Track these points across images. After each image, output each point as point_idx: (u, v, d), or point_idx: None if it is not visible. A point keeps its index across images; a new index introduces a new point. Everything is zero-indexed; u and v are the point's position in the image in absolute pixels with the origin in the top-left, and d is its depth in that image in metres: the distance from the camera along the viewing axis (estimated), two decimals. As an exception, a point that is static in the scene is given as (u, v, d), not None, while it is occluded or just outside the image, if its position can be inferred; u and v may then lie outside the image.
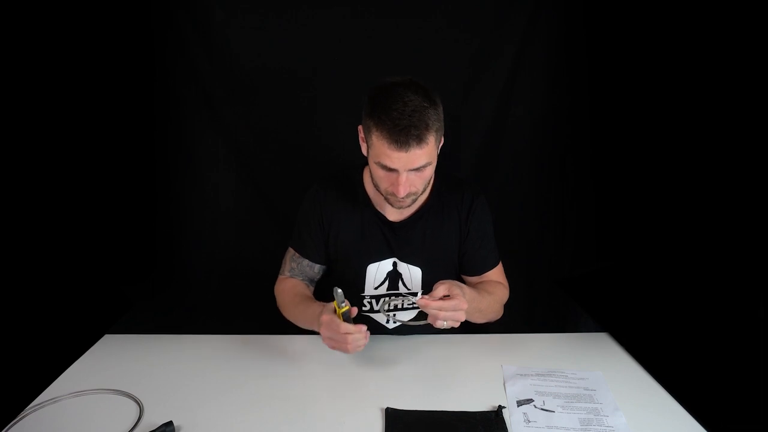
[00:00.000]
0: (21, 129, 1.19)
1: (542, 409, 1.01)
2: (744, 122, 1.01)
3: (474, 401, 1.03)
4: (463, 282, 1.37)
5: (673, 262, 1.21)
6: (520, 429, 0.96)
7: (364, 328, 1.05)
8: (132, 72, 1.57)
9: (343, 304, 1.06)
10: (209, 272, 1.84)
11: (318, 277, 1.35)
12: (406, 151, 1.06)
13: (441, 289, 1.07)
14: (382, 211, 1.28)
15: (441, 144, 1.18)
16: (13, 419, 0.97)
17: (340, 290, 1.06)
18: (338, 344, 1.06)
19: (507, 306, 1.36)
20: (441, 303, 1.05)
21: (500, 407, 0.99)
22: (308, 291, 1.32)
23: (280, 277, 1.35)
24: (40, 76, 1.25)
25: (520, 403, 1.02)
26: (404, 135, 1.04)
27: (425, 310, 1.06)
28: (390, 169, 1.10)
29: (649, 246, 1.32)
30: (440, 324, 1.06)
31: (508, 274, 1.39)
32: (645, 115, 1.34)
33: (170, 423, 0.93)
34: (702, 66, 1.12)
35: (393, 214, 1.28)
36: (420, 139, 1.06)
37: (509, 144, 1.76)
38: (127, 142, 1.58)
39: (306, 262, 1.33)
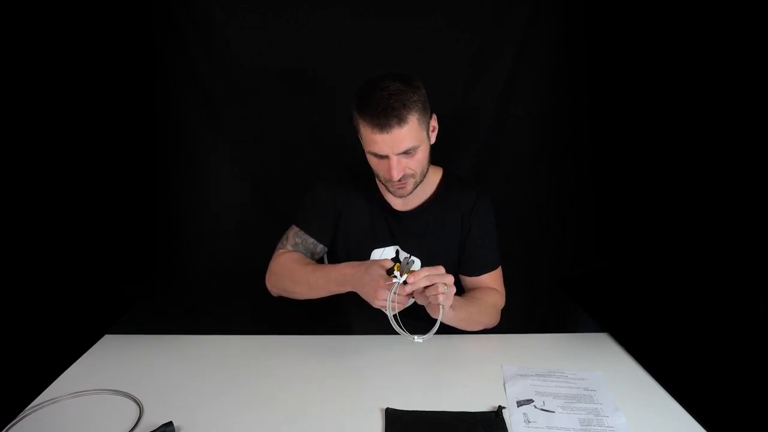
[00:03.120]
0: (21, 129, 1.19)
1: (542, 410, 1.01)
2: (744, 122, 1.01)
3: (474, 401, 1.02)
4: (460, 284, 1.37)
5: (673, 262, 1.21)
6: (520, 429, 0.95)
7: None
8: (132, 72, 1.57)
9: (404, 276, 1.06)
10: (209, 272, 1.84)
11: (318, 257, 1.37)
12: (389, 132, 1.11)
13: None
14: (389, 201, 1.32)
15: (434, 131, 1.23)
16: (13, 420, 0.97)
17: (416, 260, 1.07)
18: (395, 303, 1.08)
19: (507, 306, 1.36)
20: (425, 269, 1.06)
21: (500, 407, 0.99)
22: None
23: (281, 251, 1.35)
24: (40, 77, 1.25)
25: (520, 404, 1.02)
26: (384, 116, 1.10)
27: (419, 285, 1.05)
28: (381, 156, 1.16)
29: (649, 246, 1.32)
30: (441, 291, 1.05)
31: (508, 274, 1.39)
32: (645, 115, 1.34)
33: (170, 423, 0.93)
34: (702, 66, 1.12)
35: (399, 204, 1.32)
36: (400, 119, 1.11)
37: (509, 144, 1.76)
38: (127, 142, 1.59)
39: (311, 240, 1.34)
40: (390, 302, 1.06)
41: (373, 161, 1.20)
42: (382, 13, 1.62)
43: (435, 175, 1.35)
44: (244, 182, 1.80)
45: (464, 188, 1.35)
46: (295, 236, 1.35)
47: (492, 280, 1.35)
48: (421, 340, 1.06)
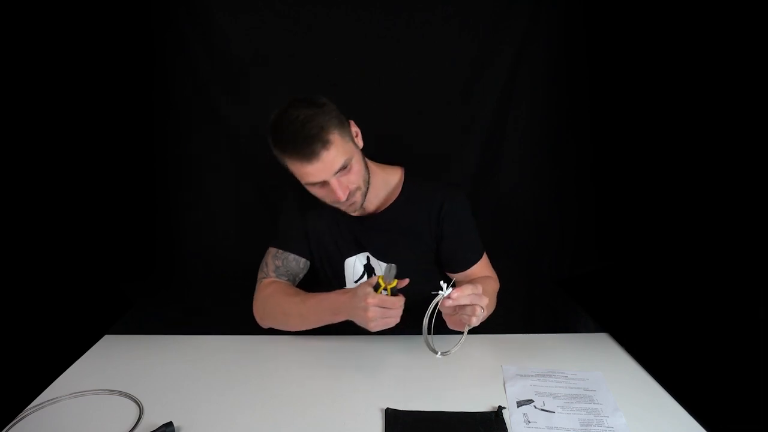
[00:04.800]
0: (20, 128, 1.20)
1: (542, 410, 1.01)
2: (744, 122, 1.01)
3: (474, 402, 1.03)
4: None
5: (674, 262, 1.21)
6: (520, 429, 0.95)
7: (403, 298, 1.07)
8: (131, 72, 1.57)
9: (394, 279, 1.06)
10: (209, 272, 1.84)
11: (302, 274, 1.35)
12: (319, 160, 1.08)
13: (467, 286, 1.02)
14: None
15: (358, 135, 1.20)
16: (13, 419, 0.97)
17: (394, 265, 1.05)
18: (390, 319, 1.05)
19: (507, 306, 1.36)
20: (470, 286, 1.01)
21: (500, 408, 0.99)
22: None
23: (264, 281, 1.31)
24: (39, 77, 1.25)
25: (520, 404, 1.02)
26: (308, 146, 1.07)
27: (460, 302, 1.00)
28: (319, 184, 1.13)
29: (649, 246, 1.33)
30: (478, 314, 1.02)
31: (509, 274, 1.40)
32: (645, 114, 1.34)
33: (170, 423, 0.93)
34: (702, 65, 1.12)
35: (359, 210, 1.29)
36: (324, 142, 1.08)
37: (509, 144, 1.76)
38: (127, 141, 1.59)
39: (292, 256, 1.32)
40: (428, 315, 1.00)
41: (314, 190, 1.17)
42: (383, 14, 1.62)
43: (393, 176, 1.32)
44: (244, 182, 1.80)
45: (428, 189, 1.31)
46: (274, 259, 1.32)
47: (482, 269, 1.34)
48: (440, 357, 1.05)
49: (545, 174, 1.78)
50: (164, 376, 1.12)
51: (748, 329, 0.95)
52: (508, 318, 1.37)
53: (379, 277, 1.07)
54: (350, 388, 1.08)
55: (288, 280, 1.33)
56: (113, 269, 1.53)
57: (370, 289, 1.06)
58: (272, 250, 1.34)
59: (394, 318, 1.06)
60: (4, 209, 1.14)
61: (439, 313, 1.07)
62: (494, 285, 1.33)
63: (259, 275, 1.34)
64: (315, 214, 1.32)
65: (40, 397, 1.04)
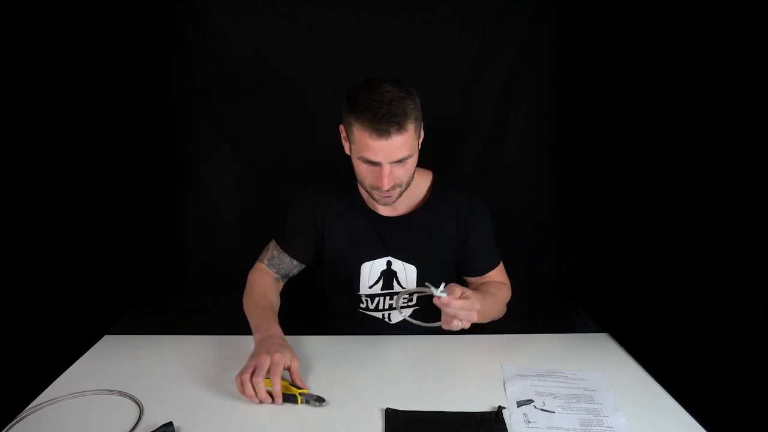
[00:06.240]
0: (20, 127, 1.20)
1: (542, 410, 1.01)
2: (744, 122, 1.01)
3: (474, 402, 1.02)
4: (465, 284, 1.37)
5: (674, 262, 1.21)
6: (520, 429, 0.95)
7: (268, 402, 1.01)
8: (131, 72, 1.57)
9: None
10: (209, 272, 1.84)
11: (294, 272, 1.36)
12: (387, 139, 1.07)
13: (458, 289, 1.05)
14: (374, 209, 1.29)
15: (421, 138, 1.19)
16: (13, 420, 0.97)
17: (324, 403, 1.02)
18: (244, 391, 1.00)
19: (507, 306, 1.37)
20: (461, 302, 1.03)
21: (500, 408, 0.99)
22: (278, 299, 1.29)
23: (257, 264, 1.35)
24: (39, 77, 1.25)
25: (520, 404, 1.02)
26: (384, 122, 1.06)
27: (445, 310, 1.04)
28: (373, 163, 1.11)
29: (649, 246, 1.33)
30: (456, 324, 1.05)
31: (509, 274, 1.40)
32: (645, 114, 1.34)
33: (170, 423, 0.93)
34: (702, 65, 1.12)
35: (386, 210, 1.29)
36: (400, 126, 1.07)
37: (509, 144, 1.76)
38: (127, 141, 1.59)
39: (287, 256, 1.33)
40: (407, 290, 1.03)
41: (361, 167, 1.15)
42: (383, 14, 1.62)
43: (424, 180, 1.32)
44: (244, 182, 1.80)
45: (456, 192, 1.32)
46: (274, 249, 1.34)
47: (497, 275, 1.36)
48: (400, 314, 1.04)
49: (545, 174, 1.77)
50: (164, 376, 1.12)
51: (748, 329, 0.95)
52: (509, 318, 1.37)
53: (300, 391, 1.02)
54: (350, 388, 1.08)
55: (278, 273, 1.34)
56: (113, 269, 1.53)
57: (286, 351, 1.04)
58: (274, 242, 1.35)
59: (247, 395, 1.00)
60: (5, 209, 1.14)
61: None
62: (505, 292, 1.34)
63: (259, 256, 1.36)
64: (336, 209, 1.30)
65: (40, 397, 1.04)
